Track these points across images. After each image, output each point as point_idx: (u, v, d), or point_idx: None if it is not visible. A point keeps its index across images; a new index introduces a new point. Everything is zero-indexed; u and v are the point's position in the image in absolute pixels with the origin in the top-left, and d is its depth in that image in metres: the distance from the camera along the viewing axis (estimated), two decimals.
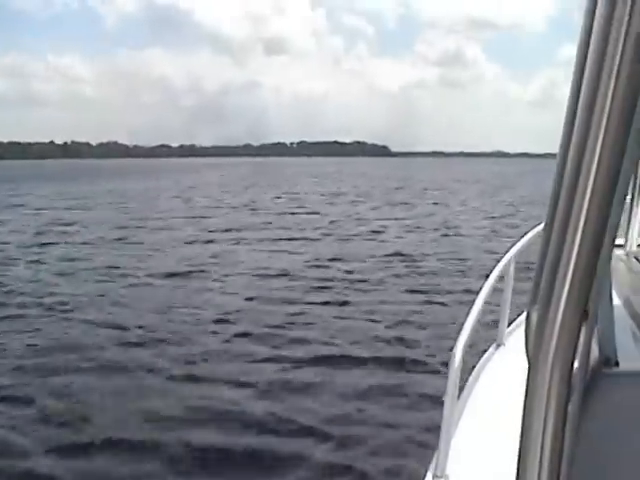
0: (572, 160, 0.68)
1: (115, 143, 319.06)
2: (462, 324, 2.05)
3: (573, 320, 0.70)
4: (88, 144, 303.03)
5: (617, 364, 1.16)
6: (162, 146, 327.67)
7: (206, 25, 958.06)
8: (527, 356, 0.74)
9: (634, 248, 2.48)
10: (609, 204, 0.69)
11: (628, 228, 2.54)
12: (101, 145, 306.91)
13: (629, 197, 2.75)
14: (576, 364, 0.72)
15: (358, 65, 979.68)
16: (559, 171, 0.70)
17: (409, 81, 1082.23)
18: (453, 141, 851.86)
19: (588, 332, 0.72)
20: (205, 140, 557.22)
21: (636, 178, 2.54)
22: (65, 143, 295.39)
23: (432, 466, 1.78)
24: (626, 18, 0.61)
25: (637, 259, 2.02)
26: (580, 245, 0.69)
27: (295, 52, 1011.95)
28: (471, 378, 2.63)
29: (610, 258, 1.16)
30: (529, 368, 0.73)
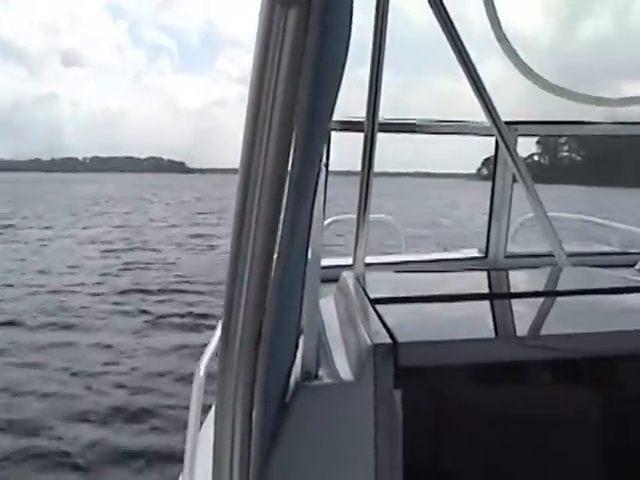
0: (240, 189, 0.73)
1: None
2: (205, 345, 2.02)
3: (250, 343, 0.77)
4: None
5: (317, 377, 1.26)
6: None
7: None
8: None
9: (361, 269, 2.57)
10: (273, 233, 0.74)
11: (356, 249, 2.61)
12: None
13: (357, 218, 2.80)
14: (258, 381, 0.79)
15: (159, 81, 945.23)
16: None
17: (210, 98, 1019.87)
18: None
19: (264, 352, 0.78)
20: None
21: (361, 203, 2.58)
22: None
23: None
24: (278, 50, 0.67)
25: (358, 280, 2.11)
26: (250, 274, 0.76)
27: (94, 65, 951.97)
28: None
29: (302, 278, 1.27)
30: (217, 391, 0.80)
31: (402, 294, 1.95)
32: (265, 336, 0.81)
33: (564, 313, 1.77)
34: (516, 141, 3.16)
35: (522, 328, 1.67)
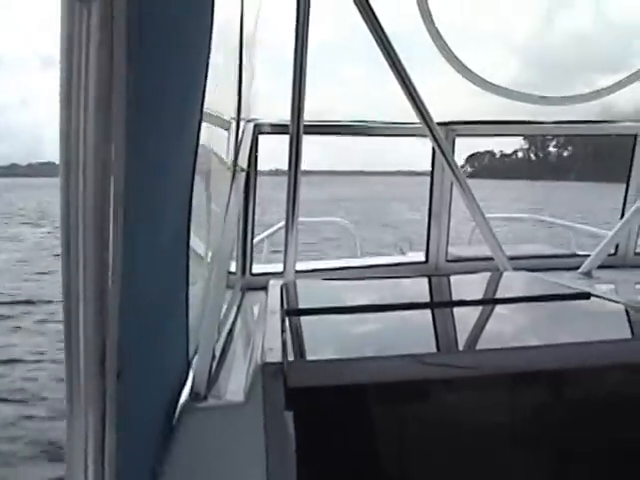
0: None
1: None
2: None
3: (95, 367, 0.73)
4: None
5: (206, 398, 1.24)
6: None
7: None
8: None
9: (291, 277, 2.54)
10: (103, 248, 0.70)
11: (285, 255, 2.56)
12: None
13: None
14: (110, 410, 0.75)
15: None
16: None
17: None
18: None
19: (111, 379, 0.75)
20: None
21: (289, 207, 2.52)
22: None
23: None
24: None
25: (282, 289, 2.07)
26: (85, 299, 0.71)
27: None
28: None
29: (183, 296, 1.21)
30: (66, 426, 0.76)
31: (323, 304, 1.88)
32: (111, 362, 0.75)
33: (493, 323, 1.71)
34: (454, 141, 3.12)
35: (441, 342, 1.59)
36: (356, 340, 1.51)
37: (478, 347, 1.46)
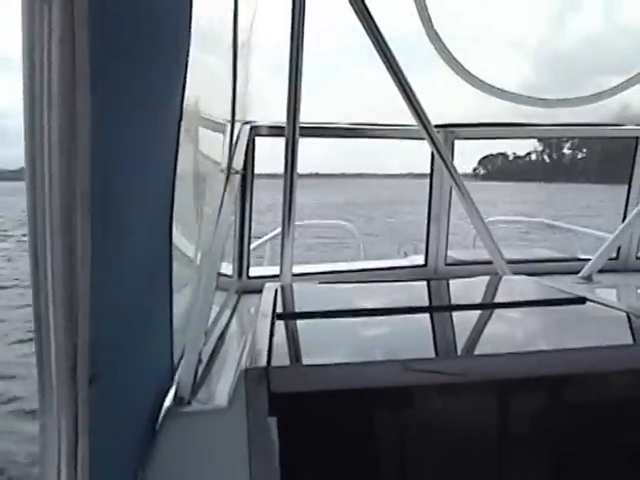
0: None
1: None
2: None
3: (67, 372, 0.72)
4: None
5: (190, 403, 1.22)
6: None
7: None
8: None
9: (288, 279, 2.52)
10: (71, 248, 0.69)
11: (282, 258, 2.54)
12: None
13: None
14: (82, 418, 0.74)
15: None
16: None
17: None
18: None
19: (83, 380, 0.74)
20: None
21: (285, 210, 2.49)
22: None
23: None
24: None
25: (277, 292, 2.05)
26: (54, 302, 0.70)
27: None
28: None
29: (167, 297, 1.20)
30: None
31: (317, 308, 1.85)
32: (82, 367, 0.74)
33: (485, 328, 1.68)
34: (453, 144, 3.10)
35: (432, 347, 1.57)
36: (346, 345, 1.49)
37: (466, 352, 1.44)
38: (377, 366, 1.22)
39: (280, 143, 2.47)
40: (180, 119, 1.08)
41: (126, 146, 0.84)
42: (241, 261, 2.80)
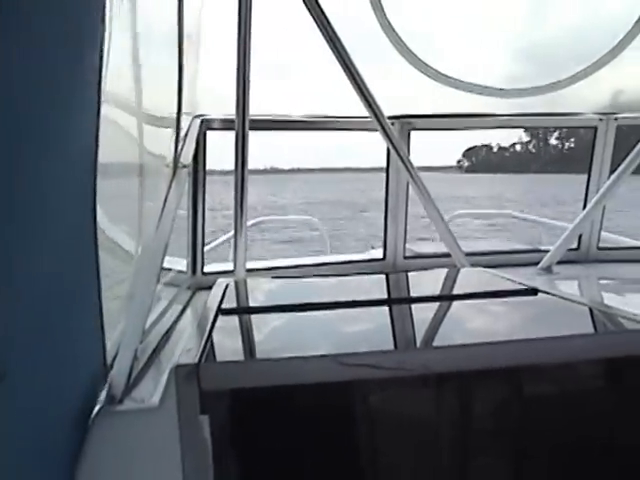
0: None
1: None
2: None
3: None
4: None
5: (122, 401, 1.19)
6: None
7: None
8: None
9: (241, 275, 2.53)
10: None
11: (235, 253, 2.55)
12: None
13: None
14: None
15: None
16: None
17: None
18: None
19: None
20: None
21: (237, 204, 2.49)
22: None
23: None
24: None
25: (227, 287, 2.04)
26: None
27: None
28: None
29: (97, 301, 1.16)
30: None
31: (264, 303, 1.83)
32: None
33: (432, 320, 1.67)
34: (409, 135, 3.10)
35: (373, 340, 1.55)
36: (288, 340, 1.47)
37: (407, 345, 1.43)
38: (310, 361, 1.20)
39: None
40: (98, 111, 1.04)
41: (33, 139, 0.81)
42: (195, 257, 2.76)
